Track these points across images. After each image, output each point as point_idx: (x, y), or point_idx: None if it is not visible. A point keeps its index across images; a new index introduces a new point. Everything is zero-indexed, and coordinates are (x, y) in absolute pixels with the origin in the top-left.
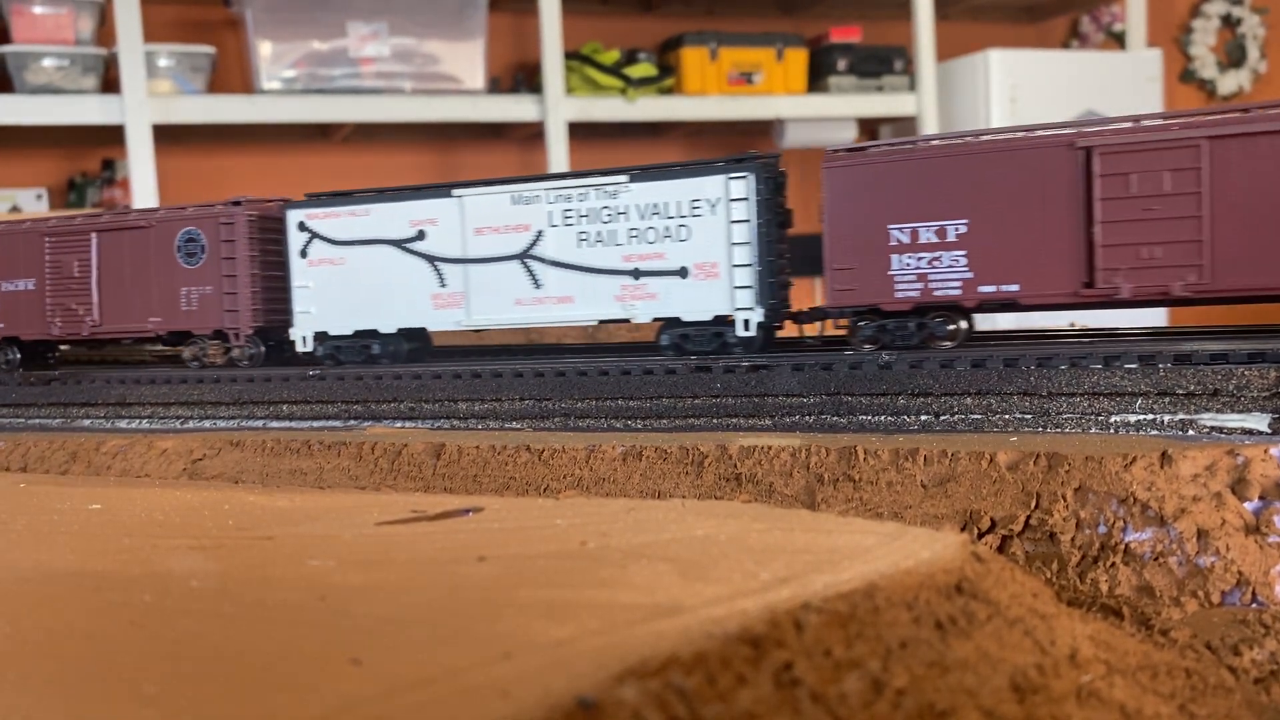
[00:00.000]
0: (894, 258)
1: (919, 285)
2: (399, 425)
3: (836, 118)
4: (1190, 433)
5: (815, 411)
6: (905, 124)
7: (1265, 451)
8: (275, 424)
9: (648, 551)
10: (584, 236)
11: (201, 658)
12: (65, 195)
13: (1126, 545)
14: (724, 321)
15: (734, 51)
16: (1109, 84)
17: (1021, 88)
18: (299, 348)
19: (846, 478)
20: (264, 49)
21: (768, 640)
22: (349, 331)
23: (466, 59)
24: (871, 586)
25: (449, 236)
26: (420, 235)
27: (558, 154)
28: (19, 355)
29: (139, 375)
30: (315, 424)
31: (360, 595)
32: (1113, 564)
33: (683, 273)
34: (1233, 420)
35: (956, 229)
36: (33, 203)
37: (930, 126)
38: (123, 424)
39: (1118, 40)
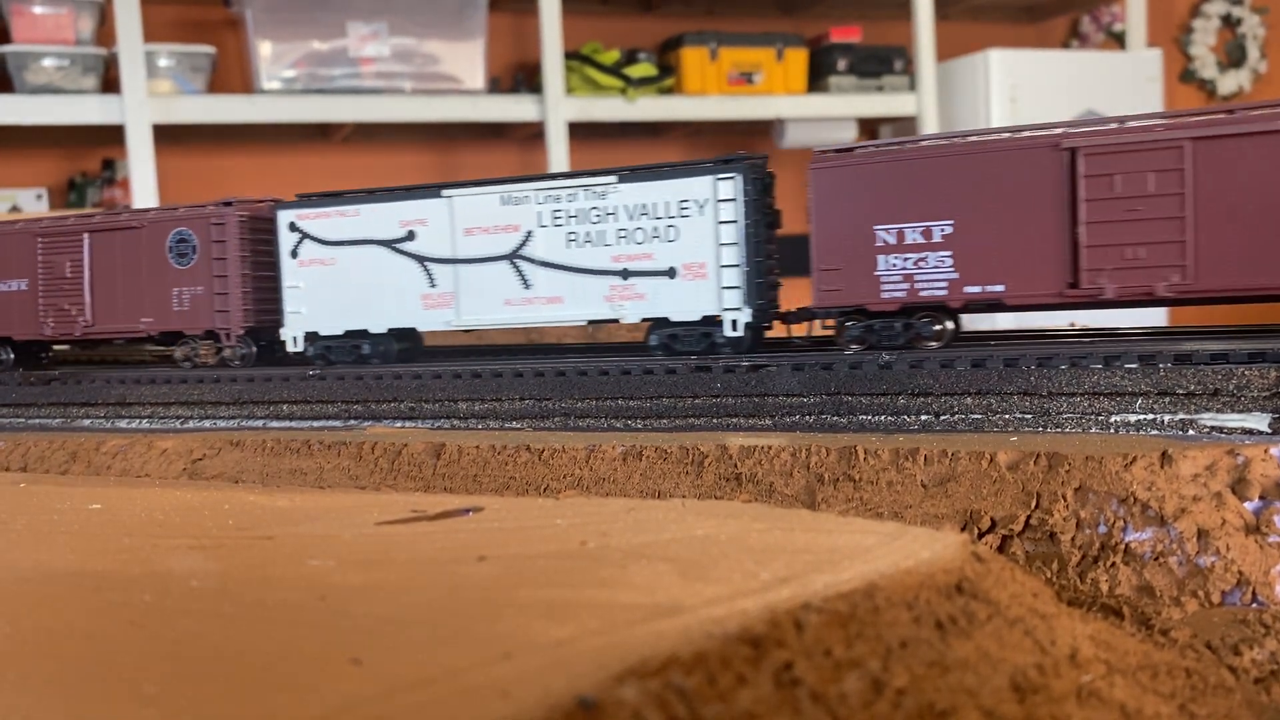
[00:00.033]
0: (880, 258)
1: (905, 286)
2: (399, 425)
3: (836, 118)
4: (1190, 432)
5: (815, 411)
6: (905, 124)
7: (1265, 451)
8: (275, 424)
9: (648, 551)
10: (573, 237)
11: (201, 658)
12: (65, 195)
13: (1127, 545)
14: (712, 322)
15: (734, 51)
16: (1109, 84)
17: (1021, 88)
18: (290, 348)
19: (847, 477)
20: (264, 49)
21: (768, 640)
22: (339, 331)
23: (466, 59)
24: (872, 586)
25: (439, 237)
26: (410, 235)
27: (558, 154)
28: (12, 355)
29: (139, 375)
30: (315, 424)
31: (360, 595)
32: (1113, 564)
33: (671, 273)
34: (1233, 420)
35: (942, 230)
36: (33, 203)
37: (930, 126)
38: (123, 424)
39: (1118, 40)
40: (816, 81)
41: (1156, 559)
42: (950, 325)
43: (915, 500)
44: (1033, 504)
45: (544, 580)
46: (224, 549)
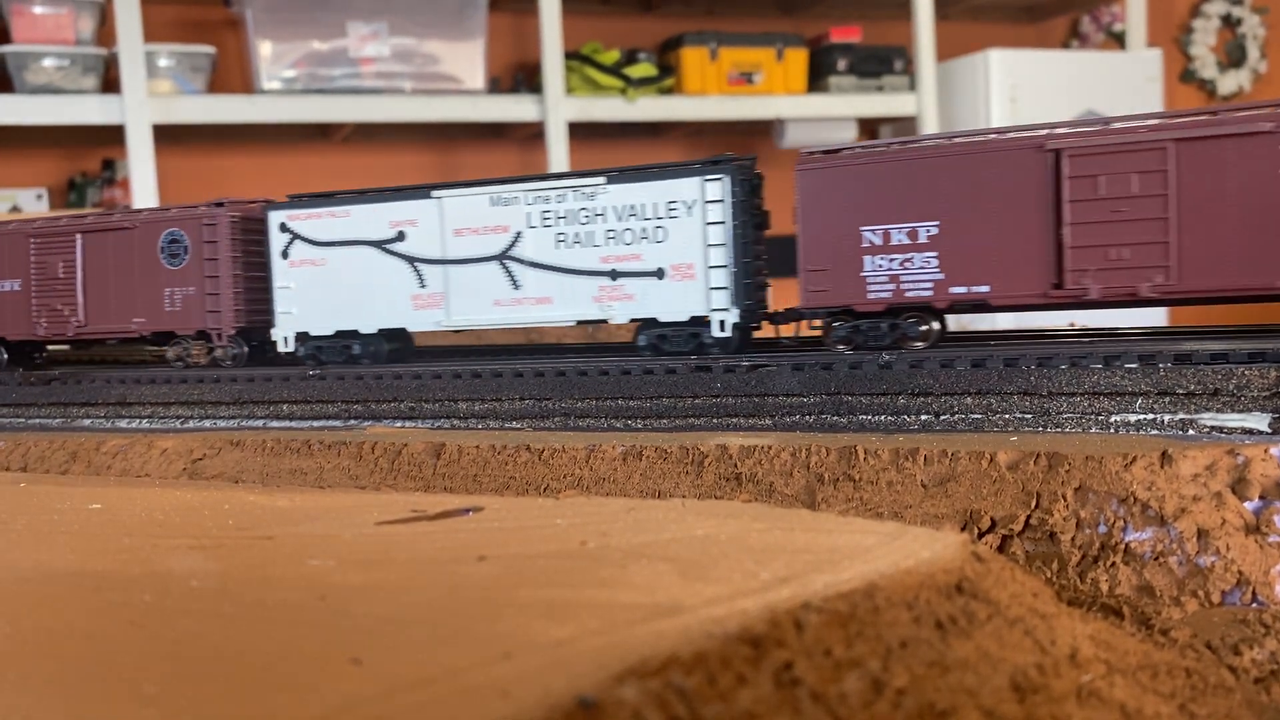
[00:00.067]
0: (866, 259)
1: (891, 286)
2: (399, 425)
3: (836, 118)
4: (1190, 432)
5: (815, 411)
6: (905, 124)
7: (1265, 451)
8: (275, 424)
9: (648, 551)
10: (562, 238)
11: (201, 657)
12: (65, 195)
13: (1127, 545)
14: (701, 322)
15: (734, 51)
16: (1109, 84)
17: (1021, 88)
18: (280, 348)
19: (846, 477)
20: (264, 49)
21: (768, 640)
22: (330, 332)
23: (466, 59)
24: (872, 586)
25: (428, 237)
26: (400, 236)
27: (558, 154)
28: (6, 356)
29: (139, 375)
30: (315, 424)
31: (360, 595)
32: (1113, 564)
33: (659, 274)
34: (1233, 420)
35: (928, 231)
36: (33, 203)
37: (930, 126)
38: (123, 424)
39: (1118, 40)
40: (816, 81)
41: (1156, 559)
42: (936, 326)
43: (915, 500)
44: (1033, 504)
45: (544, 580)
46: (224, 549)
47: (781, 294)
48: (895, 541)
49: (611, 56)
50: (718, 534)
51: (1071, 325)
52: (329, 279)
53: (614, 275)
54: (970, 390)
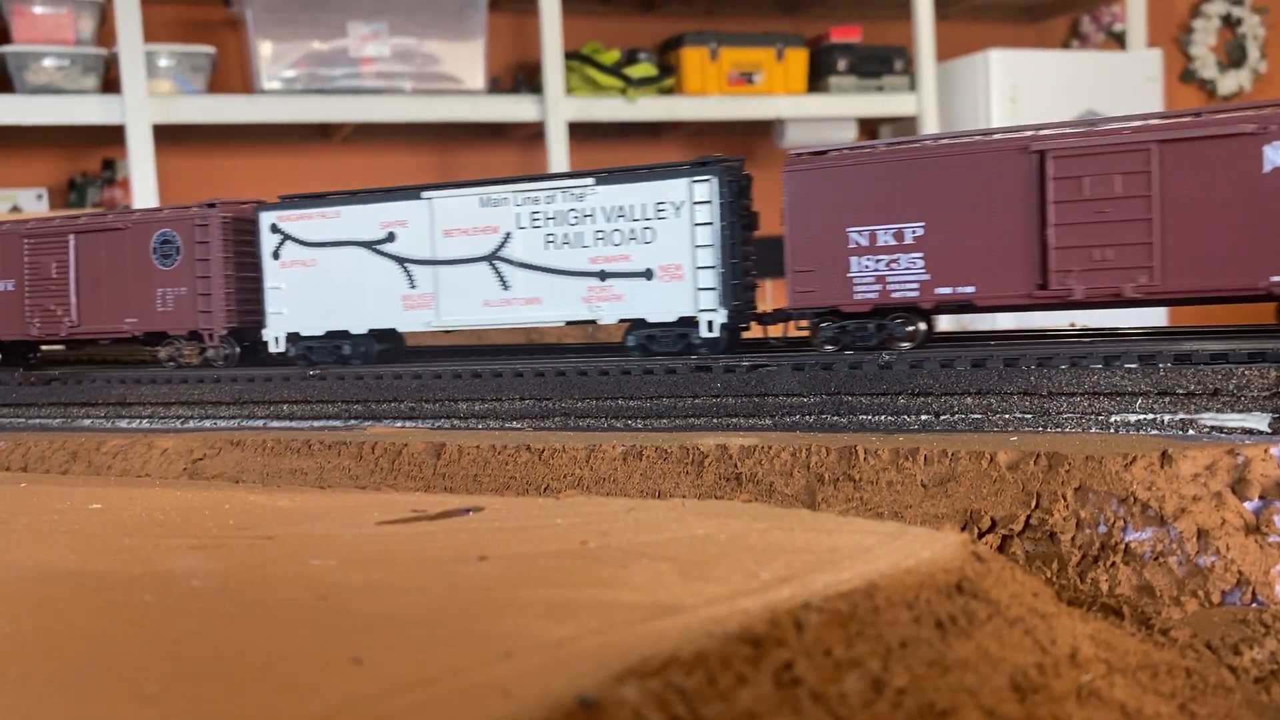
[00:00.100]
0: (853, 260)
1: (877, 287)
2: (399, 425)
3: (837, 118)
4: (1190, 432)
5: (815, 411)
6: (906, 124)
7: (1265, 451)
8: (276, 424)
9: (648, 551)
10: (551, 239)
11: (202, 657)
12: (66, 195)
13: (1127, 545)
14: (689, 323)
15: (734, 51)
16: (1109, 84)
17: (1021, 88)
18: (272, 348)
19: (847, 477)
20: (264, 49)
21: (768, 640)
22: (320, 332)
23: (467, 59)
24: (872, 586)
25: (418, 238)
26: (390, 237)
27: (558, 154)
28: (0, 356)
29: (139, 375)
30: (316, 424)
31: (361, 595)
32: (1113, 563)
33: (648, 274)
34: (1233, 420)
35: (914, 232)
36: (33, 203)
37: (931, 126)
38: (123, 424)
39: (1118, 40)
40: (817, 81)
41: (1156, 559)
42: (923, 326)
43: (915, 500)
44: (1033, 504)
45: (544, 580)
46: (225, 549)
47: (773, 294)
48: (895, 541)
49: (612, 56)
50: (718, 534)
51: (1072, 325)
52: (320, 280)
53: (603, 276)
54: (970, 390)
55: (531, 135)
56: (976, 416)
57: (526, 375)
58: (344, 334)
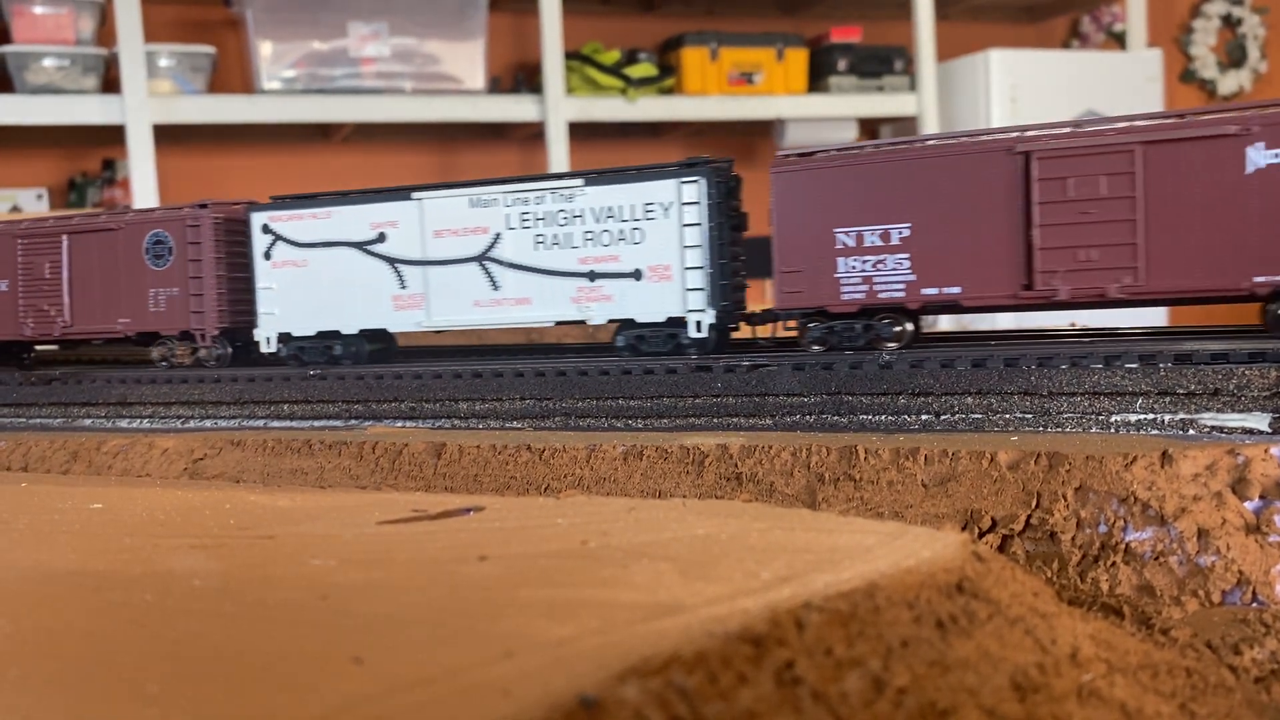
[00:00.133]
0: (840, 260)
1: (864, 288)
2: (400, 425)
3: (837, 118)
4: (1191, 432)
5: (816, 411)
6: (906, 124)
7: (1266, 451)
8: (276, 423)
9: (649, 551)
10: (540, 239)
11: (202, 657)
12: (66, 195)
13: (1127, 544)
14: (678, 323)
15: (734, 51)
16: (1109, 84)
17: (1021, 88)
18: (263, 348)
19: (847, 477)
20: (264, 49)
21: (769, 639)
22: (311, 332)
23: (467, 59)
24: (872, 585)
25: (409, 239)
26: (381, 237)
27: (558, 154)
28: None
29: (139, 375)
30: (316, 423)
31: (361, 594)
32: (1113, 563)
33: (637, 275)
34: (1233, 420)
35: (900, 233)
36: (33, 203)
37: (931, 126)
38: (123, 424)
39: (1118, 40)
40: (817, 81)
41: (1157, 558)
42: (909, 326)
43: (916, 500)
44: (1033, 503)
45: (545, 579)
46: (225, 548)
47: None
48: (896, 541)
49: (612, 56)
50: (719, 533)
51: (1072, 325)
52: (311, 280)
53: (592, 276)
54: (971, 390)
55: (532, 135)
56: (977, 416)
57: (527, 375)
58: (335, 334)
